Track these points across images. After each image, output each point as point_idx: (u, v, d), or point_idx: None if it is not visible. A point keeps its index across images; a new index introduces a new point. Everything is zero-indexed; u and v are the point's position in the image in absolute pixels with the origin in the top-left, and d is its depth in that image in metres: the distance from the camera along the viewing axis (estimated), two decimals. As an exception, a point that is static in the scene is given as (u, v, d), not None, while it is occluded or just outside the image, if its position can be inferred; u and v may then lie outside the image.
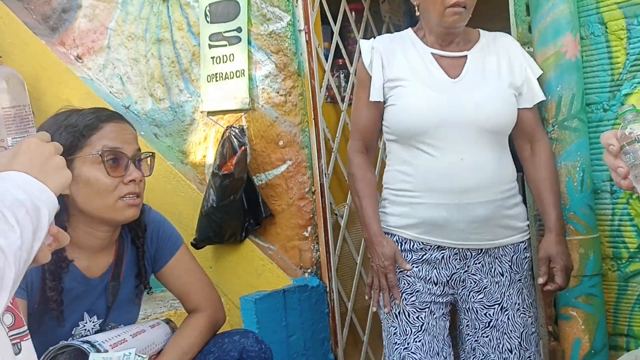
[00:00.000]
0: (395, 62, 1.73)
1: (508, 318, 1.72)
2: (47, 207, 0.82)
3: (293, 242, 2.60)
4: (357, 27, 2.91)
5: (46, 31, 3.54)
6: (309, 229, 2.58)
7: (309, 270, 2.57)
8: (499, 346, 1.72)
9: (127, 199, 1.45)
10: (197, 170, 2.92)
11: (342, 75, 2.86)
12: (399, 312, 1.73)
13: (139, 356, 1.37)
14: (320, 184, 2.56)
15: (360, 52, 1.80)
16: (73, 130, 1.44)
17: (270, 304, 2.34)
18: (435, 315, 1.72)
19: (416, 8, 1.77)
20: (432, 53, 1.74)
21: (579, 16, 1.89)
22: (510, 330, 1.71)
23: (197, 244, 2.61)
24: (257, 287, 2.53)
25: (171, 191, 2.88)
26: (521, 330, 1.72)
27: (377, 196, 1.85)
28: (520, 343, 1.72)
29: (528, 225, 1.79)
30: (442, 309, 1.74)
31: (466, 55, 1.74)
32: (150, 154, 1.57)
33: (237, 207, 2.56)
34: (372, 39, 1.84)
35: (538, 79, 1.79)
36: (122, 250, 1.56)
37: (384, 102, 1.75)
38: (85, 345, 1.38)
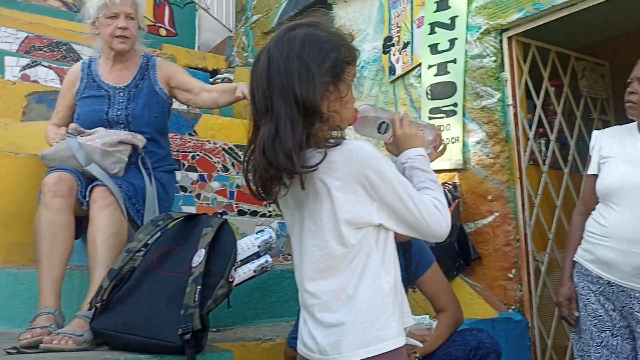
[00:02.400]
0: (609, 145, 2.21)
1: None
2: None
3: (498, 282, 3.04)
4: (557, 101, 3.36)
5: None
6: (513, 271, 3.01)
7: (513, 307, 2.99)
8: None
9: None
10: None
11: (543, 142, 3.31)
12: (584, 330, 2.13)
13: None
14: (524, 233, 3.00)
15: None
16: None
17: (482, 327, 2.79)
18: (615, 336, 2.10)
19: None
20: None
21: None
22: None
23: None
24: (466, 317, 2.99)
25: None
26: None
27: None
28: None
29: None
30: (624, 332, 2.09)
31: None
32: None
33: (450, 249, 3.09)
34: (598, 130, 2.35)
35: None
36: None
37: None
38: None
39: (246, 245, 1.98)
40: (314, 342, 1.30)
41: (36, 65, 3.58)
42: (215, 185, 3.27)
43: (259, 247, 1.98)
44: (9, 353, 1.73)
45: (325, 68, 1.26)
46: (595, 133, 2.35)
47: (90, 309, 1.86)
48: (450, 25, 3.33)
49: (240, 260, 1.95)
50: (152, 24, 5.99)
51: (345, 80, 1.31)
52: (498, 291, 3.04)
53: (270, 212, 3.42)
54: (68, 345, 1.78)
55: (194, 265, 1.83)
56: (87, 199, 2.11)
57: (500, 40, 3.14)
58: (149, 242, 1.95)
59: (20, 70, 3.52)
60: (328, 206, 1.27)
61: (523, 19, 2.99)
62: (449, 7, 3.34)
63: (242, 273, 1.94)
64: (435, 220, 1.30)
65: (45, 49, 3.92)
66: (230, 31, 5.39)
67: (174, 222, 2.01)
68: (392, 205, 1.28)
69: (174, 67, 2.66)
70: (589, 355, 2.13)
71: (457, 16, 3.30)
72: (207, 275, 1.80)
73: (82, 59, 4.09)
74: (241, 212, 3.30)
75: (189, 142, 3.40)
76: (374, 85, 3.85)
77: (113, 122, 2.40)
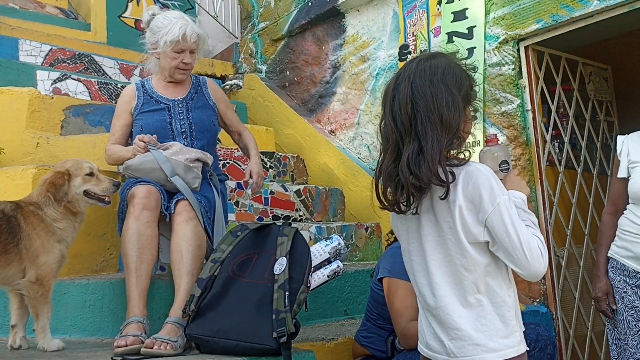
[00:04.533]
0: (636, 150, 2.40)
1: None
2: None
3: (523, 277, 3.24)
4: (568, 104, 3.58)
5: (305, 112, 4.63)
6: (537, 266, 3.21)
7: (537, 300, 3.20)
8: None
9: None
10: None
11: (556, 144, 3.53)
12: (621, 321, 2.34)
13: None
14: (546, 230, 3.20)
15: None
16: None
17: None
18: None
19: None
20: None
21: None
22: None
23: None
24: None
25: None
26: None
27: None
28: None
29: None
30: None
31: None
32: None
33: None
34: (623, 135, 2.53)
35: None
36: None
37: (628, 177, 2.41)
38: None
39: (318, 252, 2.13)
40: (440, 345, 1.45)
41: (66, 78, 3.65)
42: (250, 192, 3.41)
43: (329, 253, 2.13)
44: (114, 360, 1.85)
45: (462, 93, 1.43)
46: (621, 138, 2.55)
47: (184, 317, 1.99)
48: (468, 35, 3.51)
49: (314, 267, 2.10)
50: (154, 30, 6.05)
51: (472, 105, 1.48)
52: (523, 285, 3.24)
53: (300, 216, 3.57)
54: (167, 350, 1.91)
55: (276, 272, 1.98)
56: (169, 212, 2.23)
57: (518, 49, 3.33)
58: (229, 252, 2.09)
59: (52, 84, 3.59)
60: (451, 219, 1.42)
61: (541, 29, 3.19)
62: (467, 18, 3.53)
63: (316, 278, 2.09)
64: (535, 257, 1.39)
65: (68, 61, 3.99)
66: (236, 38, 5.50)
67: (248, 232, 2.15)
68: (496, 230, 1.39)
69: (222, 94, 2.84)
70: (625, 343, 2.34)
71: (474, 26, 3.49)
72: (289, 281, 1.95)
73: (103, 70, 4.17)
74: (275, 217, 3.44)
75: (219, 150, 3.53)
76: (390, 92, 4.01)
77: (177, 132, 2.53)
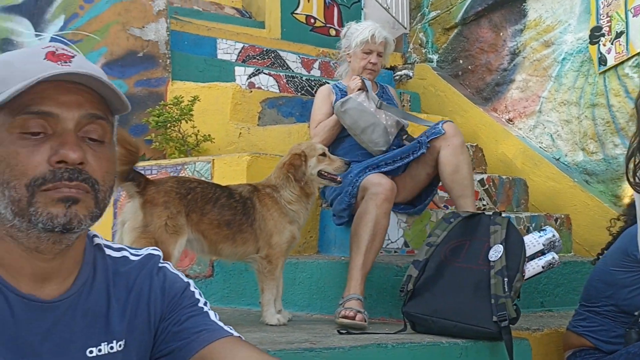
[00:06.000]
0: None
1: None
2: None
3: None
4: None
5: (480, 100, 4.55)
6: None
7: None
8: None
9: None
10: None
11: None
12: None
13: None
14: None
15: None
16: None
17: None
18: None
19: None
20: None
21: None
22: None
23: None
24: None
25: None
26: None
27: None
28: None
29: None
30: None
31: None
32: None
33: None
34: None
35: None
36: None
37: None
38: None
39: (531, 242, 2.10)
40: None
41: (259, 73, 3.94)
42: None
43: (543, 244, 2.10)
44: (340, 333, 1.99)
45: None
46: None
47: (402, 296, 2.09)
48: (675, 13, 3.24)
49: (527, 257, 2.09)
50: (323, 25, 6.29)
51: None
52: None
53: (484, 206, 3.54)
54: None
55: (492, 259, 1.99)
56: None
57: None
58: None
59: (247, 79, 3.89)
60: None
61: None
62: (673, -6, 3.25)
63: (530, 268, 2.07)
64: None
65: (258, 57, 4.29)
66: (405, 28, 5.53)
67: (460, 219, 2.19)
68: None
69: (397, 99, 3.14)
70: None
71: (683, 3, 3.21)
72: (506, 268, 1.96)
73: (287, 64, 4.43)
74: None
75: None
76: (578, 77, 3.82)
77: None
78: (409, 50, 5.49)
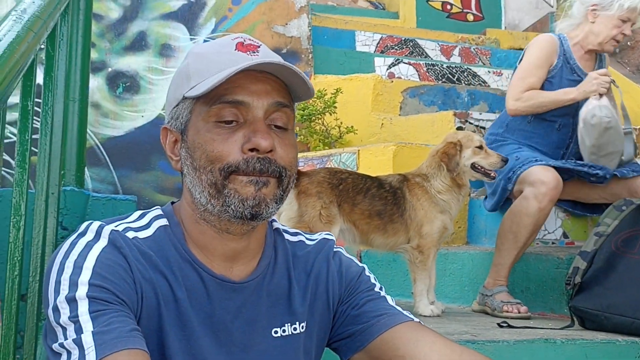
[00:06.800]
0: None
1: None
2: None
3: None
4: None
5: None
6: None
7: None
8: None
9: None
10: None
11: None
12: None
13: None
14: None
15: None
16: None
17: None
18: None
19: None
20: None
21: None
22: None
23: None
24: None
25: None
26: None
27: None
28: None
29: None
30: None
31: None
32: None
33: None
34: None
35: None
36: None
37: None
38: None
39: None
40: None
41: (398, 63, 3.90)
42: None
43: None
44: (501, 326, 1.91)
45: None
46: None
47: (569, 289, 1.96)
48: None
49: None
50: (460, 10, 6.09)
51: None
52: None
53: None
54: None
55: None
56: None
57: None
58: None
59: (387, 69, 3.87)
60: None
61: None
62: None
63: None
64: None
65: (396, 47, 4.25)
66: (551, 6, 5.20)
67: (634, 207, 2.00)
68: None
69: None
70: None
71: None
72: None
73: (425, 52, 4.34)
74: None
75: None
76: None
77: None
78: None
